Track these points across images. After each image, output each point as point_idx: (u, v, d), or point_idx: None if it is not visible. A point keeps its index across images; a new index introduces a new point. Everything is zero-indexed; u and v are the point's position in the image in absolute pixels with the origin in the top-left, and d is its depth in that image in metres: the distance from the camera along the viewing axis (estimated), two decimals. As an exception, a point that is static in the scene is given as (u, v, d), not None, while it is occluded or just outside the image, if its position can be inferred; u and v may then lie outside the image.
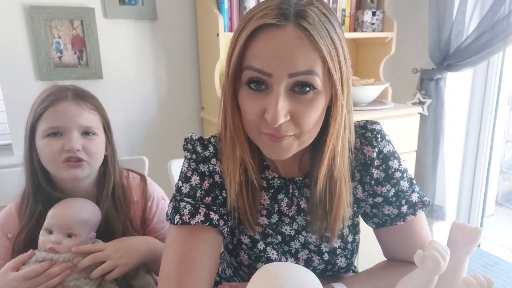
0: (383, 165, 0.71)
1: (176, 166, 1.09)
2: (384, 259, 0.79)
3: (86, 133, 0.82)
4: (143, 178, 0.96)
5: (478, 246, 0.73)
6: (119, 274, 0.77)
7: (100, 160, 0.86)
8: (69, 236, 0.78)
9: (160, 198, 0.95)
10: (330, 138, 0.61)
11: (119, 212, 0.87)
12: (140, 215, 0.92)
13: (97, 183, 0.89)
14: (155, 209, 0.93)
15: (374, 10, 1.77)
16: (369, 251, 1.00)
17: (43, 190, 0.84)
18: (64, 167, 0.80)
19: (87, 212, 0.81)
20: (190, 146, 0.70)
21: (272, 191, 0.71)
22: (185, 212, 0.65)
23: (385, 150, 0.71)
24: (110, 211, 0.86)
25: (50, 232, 0.78)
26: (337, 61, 0.57)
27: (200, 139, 0.71)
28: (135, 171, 0.98)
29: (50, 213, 0.79)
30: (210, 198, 0.67)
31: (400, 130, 1.71)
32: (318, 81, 0.56)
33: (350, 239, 0.73)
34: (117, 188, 0.89)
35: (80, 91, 0.85)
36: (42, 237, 0.78)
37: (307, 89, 0.56)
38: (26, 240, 0.81)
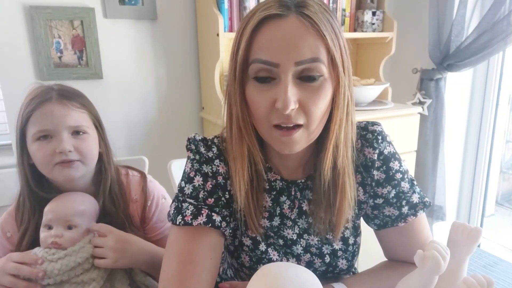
0: (384, 167, 0.71)
1: (176, 166, 1.09)
2: (385, 259, 0.79)
3: (76, 132, 0.81)
4: (143, 176, 0.94)
5: (478, 246, 0.73)
6: (106, 266, 0.76)
7: (94, 158, 0.85)
8: (69, 228, 0.78)
9: (161, 197, 0.94)
10: (333, 125, 0.61)
11: (117, 209, 0.86)
12: (140, 214, 0.91)
13: (94, 181, 0.88)
14: (154, 208, 0.92)
15: (374, 10, 1.77)
16: (369, 251, 1.00)
17: (37, 193, 0.83)
18: (58, 169, 0.79)
19: (83, 203, 0.81)
20: (193, 147, 0.70)
21: (274, 193, 0.71)
22: (188, 213, 0.65)
23: (385, 152, 0.71)
24: (108, 207, 0.86)
25: (50, 228, 0.78)
26: (339, 48, 0.58)
27: (204, 140, 0.71)
28: (135, 168, 0.97)
29: (46, 209, 0.79)
30: (212, 199, 0.67)
31: (400, 130, 1.71)
32: (323, 69, 0.57)
33: (351, 241, 0.73)
34: (114, 185, 0.88)
35: (65, 90, 0.83)
36: (43, 233, 0.78)
37: (314, 76, 0.57)
38: (29, 245, 0.81)
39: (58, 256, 0.75)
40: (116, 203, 0.87)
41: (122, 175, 0.92)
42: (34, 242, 0.81)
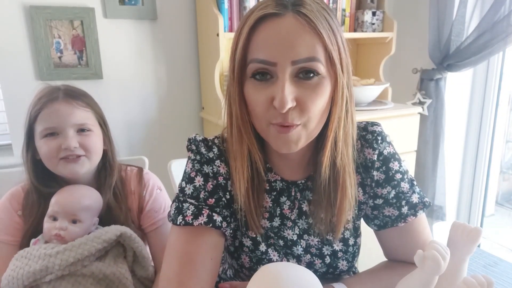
0: (384, 167, 0.71)
1: (176, 166, 1.09)
2: (385, 259, 0.79)
3: (81, 130, 0.84)
4: (140, 169, 0.98)
5: (478, 246, 0.73)
6: None
7: (99, 154, 0.88)
8: (74, 222, 0.80)
9: (155, 188, 0.97)
10: (332, 124, 0.61)
11: (120, 203, 0.90)
12: (137, 205, 0.94)
13: (96, 177, 0.91)
14: (148, 198, 0.95)
15: (374, 10, 1.77)
16: (369, 251, 1.00)
17: (39, 188, 0.85)
18: (62, 164, 0.82)
19: (89, 198, 0.84)
20: (194, 147, 0.70)
21: (275, 193, 0.71)
22: (188, 213, 0.65)
23: (385, 152, 0.71)
24: (111, 202, 0.89)
25: (55, 219, 0.80)
26: (336, 46, 0.58)
27: (204, 140, 0.71)
28: (134, 165, 1.01)
29: (53, 200, 0.82)
30: (213, 199, 0.67)
31: (400, 130, 1.71)
32: (321, 67, 0.57)
33: (351, 242, 0.73)
34: (116, 181, 0.92)
35: (71, 90, 0.87)
36: (47, 224, 0.80)
37: (311, 75, 0.57)
38: (32, 236, 0.83)
39: (57, 250, 0.76)
40: (118, 198, 0.90)
41: (122, 170, 0.96)
42: (37, 233, 0.83)
